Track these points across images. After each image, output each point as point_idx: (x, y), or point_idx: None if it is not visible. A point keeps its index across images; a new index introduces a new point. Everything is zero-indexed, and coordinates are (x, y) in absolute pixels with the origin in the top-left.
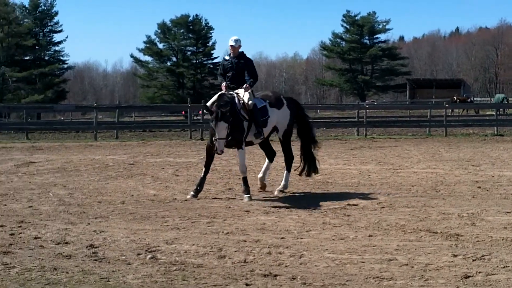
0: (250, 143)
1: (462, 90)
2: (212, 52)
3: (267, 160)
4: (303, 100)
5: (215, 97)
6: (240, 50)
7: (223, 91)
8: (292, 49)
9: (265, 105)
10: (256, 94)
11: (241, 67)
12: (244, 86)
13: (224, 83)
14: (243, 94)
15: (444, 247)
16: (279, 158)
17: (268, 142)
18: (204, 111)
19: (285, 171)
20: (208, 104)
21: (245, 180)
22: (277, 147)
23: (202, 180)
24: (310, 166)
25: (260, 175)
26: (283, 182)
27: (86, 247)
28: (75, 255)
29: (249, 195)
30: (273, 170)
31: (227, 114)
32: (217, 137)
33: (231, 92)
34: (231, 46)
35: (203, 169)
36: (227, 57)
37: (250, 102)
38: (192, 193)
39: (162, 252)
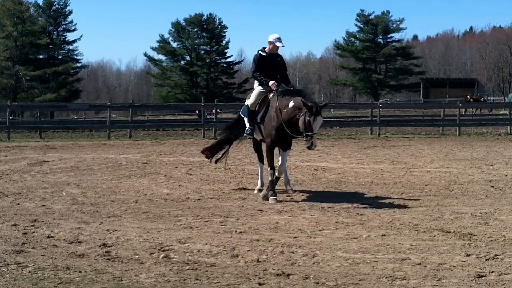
0: None
1: (476, 89)
2: (225, 51)
3: (261, 164)
4: (316, 99)
5: (256, 93)
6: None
7: (273, 88)
8: (306, 48)
9: None
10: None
11: (277, 65)
12: (290, 85)
13: (272, 82)
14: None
15: (457, 247)
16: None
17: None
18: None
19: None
20: (250, 103)
21: (277, 180)
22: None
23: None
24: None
25: (260, 181)
26: (285, 176)
27: (99, 246)
28: (88, 254)
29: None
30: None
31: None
32: (314, 132)
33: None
34: (278, 45)
35: (271, 170)
36: (263, 53)
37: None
38: (272, 197)
39: (175, 251)
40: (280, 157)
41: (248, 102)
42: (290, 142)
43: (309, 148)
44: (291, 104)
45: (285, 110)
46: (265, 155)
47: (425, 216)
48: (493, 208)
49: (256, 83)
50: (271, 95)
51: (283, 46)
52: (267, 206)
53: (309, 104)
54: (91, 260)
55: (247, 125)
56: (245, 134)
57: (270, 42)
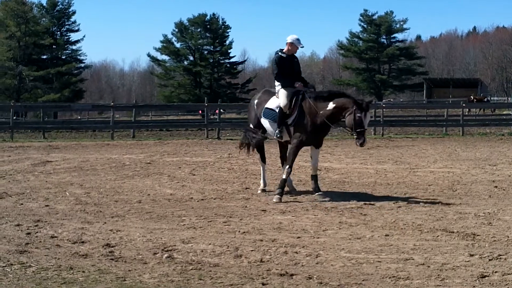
0: None
1: (479, 89)
2: (229, 51)
3: (263, 164)
4: None
5: (285, 95)
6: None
7: (298, 89)
8: (309, 48)
9: None
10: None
11: (294, 66)
12: (310, 85)
13: (299, 83)
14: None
15: (461, 247)
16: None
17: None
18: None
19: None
20: (283, 105)
21: (316, 177)
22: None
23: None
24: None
25: (262, 181)
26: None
27: (103, 246)
28: (92, 254)
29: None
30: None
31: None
32: (365, 128)
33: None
34: (299, 46)
35: (289, 169)
36: (283, 55)
37: None
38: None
39: (178, 251)
40: (313, 155)
41: (280, 104)
42: (322, 140)
43: (361, 145)
44: (331, 105)
45: (321, 112)
46: (287, 154)
47: (429, 216)
48: (497, 208)
49: (277, 85)
50: (300, 97)
51: (303, 47)
52: (270, 206)
53: (359, 101)
54: (95, 260)
55: (271, 128)
56: (275, 137)
57: (290, 43)
